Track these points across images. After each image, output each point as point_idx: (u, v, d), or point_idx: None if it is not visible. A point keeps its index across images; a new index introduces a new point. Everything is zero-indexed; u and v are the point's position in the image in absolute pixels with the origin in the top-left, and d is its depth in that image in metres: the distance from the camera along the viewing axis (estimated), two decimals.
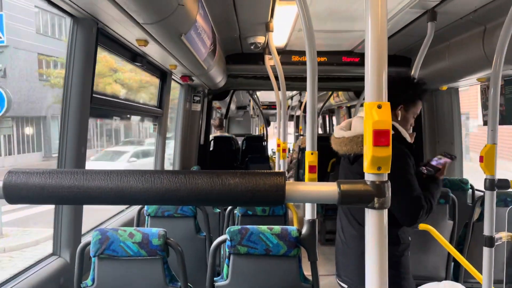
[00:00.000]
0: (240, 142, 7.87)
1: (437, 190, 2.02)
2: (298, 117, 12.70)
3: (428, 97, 4.86)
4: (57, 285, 1.92)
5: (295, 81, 5.03)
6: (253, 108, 12.16)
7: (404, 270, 2.08)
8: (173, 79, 3.92)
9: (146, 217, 2.70)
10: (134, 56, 2.79)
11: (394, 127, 2.04)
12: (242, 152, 7.53)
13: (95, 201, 0.91)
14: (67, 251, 2.04)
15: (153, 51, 2.74)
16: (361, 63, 4.63)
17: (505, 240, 2.05)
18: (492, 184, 1.98)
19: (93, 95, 2.14)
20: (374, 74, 0.86)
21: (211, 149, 6.43)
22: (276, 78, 3.55)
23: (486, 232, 2.00)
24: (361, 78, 5.12)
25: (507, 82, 3.45)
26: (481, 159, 2.01)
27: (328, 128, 13.26)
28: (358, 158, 2.07)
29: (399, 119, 2.10)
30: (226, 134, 7.24)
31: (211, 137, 6.53)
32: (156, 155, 3.73)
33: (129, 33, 2.27)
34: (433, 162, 2.07)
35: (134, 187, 0.87)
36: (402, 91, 2.13)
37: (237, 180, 0.87)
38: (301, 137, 8.18)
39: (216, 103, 8.05)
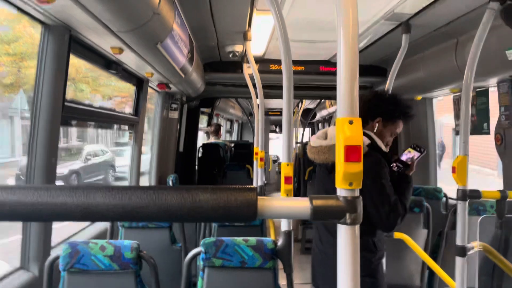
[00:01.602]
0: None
1: (408, 190, 2.04)
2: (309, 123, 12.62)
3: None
4: None
5: (274, 89, 5.04)
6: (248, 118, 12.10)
7: (380, 277, 2.10)
8: (150, 87, 3.87)
9: (120, 228, 2.64)
10: (108, 64, 2.74)
11: (370, 137, 2.06)
12: (231, 159, 7.49)
13: (60, 218, 0.88)
14: (36, 265, 1.97)
15: (128, 59, 2.70)
16: None
17: (477, 249, 2.08)
18: (464, 194, 2.01)
19: (65, 103, 2.09)
20: (346, 90, 0.86)
21: (199, 156, 6.40)
22: (255, 86, 3.55)
23: (458, 242, 2.03)
24: None
25: (478, 93, 3.54)
26: (454, 170, 2.04)
27: None
28: (335, 167, 2.07)
29: (374, 131, 2.11)
30: (218, 141, 7.20)
31: (200, 144, 6.52)
32: (131, 163, 3.67)
33: (103, 41, 2.23)
34: (403, 157, 2.09)
35: (100, 204, 0.84)
36: (383, 104, 2.14)
37: (208, 196, 0.85)
38: (297, 145, 8.17)
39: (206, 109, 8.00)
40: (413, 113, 2.19)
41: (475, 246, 2.07)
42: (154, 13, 1.90)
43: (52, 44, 1.95)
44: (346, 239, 0.89)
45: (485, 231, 2.96)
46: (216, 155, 6.64)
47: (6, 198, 0.82)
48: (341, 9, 0.88)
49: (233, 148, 8.03)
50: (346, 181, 0.87)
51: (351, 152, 0.85)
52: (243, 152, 7.80)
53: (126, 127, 3.60)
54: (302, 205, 0.87)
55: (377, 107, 2.14)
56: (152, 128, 4.61)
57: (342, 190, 0.88)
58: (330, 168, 2.13)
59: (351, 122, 0.86)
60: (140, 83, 3.59)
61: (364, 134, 2.02)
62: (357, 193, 0.88)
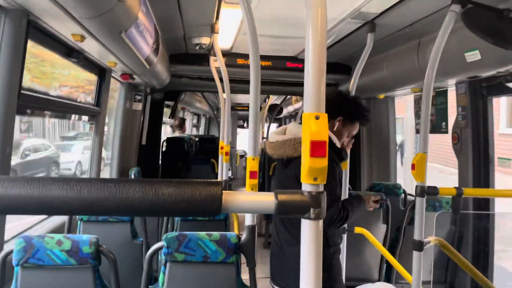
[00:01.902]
0: None
1: (358, 207, 2.19)
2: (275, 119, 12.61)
3: (366, 104, 5.05)
4: None
5: (240, 84, 5.02)
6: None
7: (335, 272, 2.15)
8: (113, 77, 3.76)
9: (78, 221, 2.56)
10: (69, 51, 2.63)
11: None
12: (195, 153, 7.40)
13: (14, 211, 0.83)
14: None
15: (90, 47, 2.61)
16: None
17: (433, 244, 2.16)
18: (422, 190, 2.07)
19: (22, 91, 1.99)
20: (313, 86, 0.87)
21: (163, 150, 6.29)
22: (221, 80, 3.52)
23: (416, 236, 2.10)
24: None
25: (438, 93, 3.66)
26: (413, 167, 2.10)
27: None
28: (291, 162, 2.13)
29: (334, 129, 2.18)
30: (183, 135, 7.09)
31: (164, 138, 6.40)
32: (91, 156, 3.56)
33: (64, 27, 2.14)
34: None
35: (57, 196, 0.80)
36: (346, 104, 2.22)
37: (171, 189, 0.83)
38: (263, 140, 8.16)
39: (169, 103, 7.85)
40: (370, 117, 2.32)
41: (432, 240, 2.15)
42: (119, 1, 1.84)
43: (8, 28, 1.85)
44: (309, 233, 0.89)
45: (441, 227, 3.08)
46: (181, 149, 6.56)
47: None
48: (310, 6, 0.88)
49: (198, 143, 7.95)
50: (311, 176, 0.87)
51: (316, 147, 0.86)
52: (208, 147, 7.74)
53: (83, 118, 3.47)
54: (267, 199, 0.87)
55: (339, 106, 2.21)
56: (114, 119, 4.49)
57: (307, 185, 0.88)
58: (285, 163, 2.18)
59: (317, 118, 0.87)
60: (102, 72, 3.48)
61: None
62: (321, 188, 0.89)
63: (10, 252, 1.67)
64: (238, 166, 11.21)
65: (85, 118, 3.44)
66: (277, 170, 2.33)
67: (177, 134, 7.06)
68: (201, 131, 14.15)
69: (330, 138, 2.12)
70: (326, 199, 1.93)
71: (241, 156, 11.80)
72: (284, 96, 8.66)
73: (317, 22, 0.87)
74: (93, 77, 3.47)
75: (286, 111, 11.40)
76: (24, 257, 1.65)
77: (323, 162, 0.86)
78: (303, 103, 0.90)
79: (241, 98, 10.31)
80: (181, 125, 7.17)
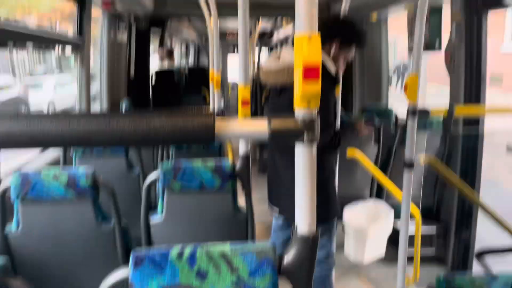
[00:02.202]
0: None
1: (350, 136, 2.16)
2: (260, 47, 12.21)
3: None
4: None
5: (228, 8, 4.80)
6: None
7: (329, 194, 2.21)
8: (94, 6, 3.57)
9: (73, 156, 2.57)
10: None
11: None
12: (185, 86, 7.26)
13: (5, 145, 0.83)
14: None
15: None
16: None
17: (424, 163, 2.21)
18: (414, 111, 2.08)
19: None
20: (305, 4, 0.82)
21: (153, 84, 6.15)
22: (208, 4, 3.36)
23: (407, 155, 2.14)
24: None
25: (432, 10, 3.54)
26: (405, 88, 2.09)
27: None
28: (285, 89, 2.09)
29: (330, 54, 2.10)
30: (172, 68, 6.88)
31: (153, 71, 6.22)
32: (79, 89, 3.48)
33: None
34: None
35: (48, 130, 0.79)
36: (344, 27, 2.13)
37: (164, 120, 0.82)
38: (255, 67, 7.96)
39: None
40: (366, 41, 2.24)
41: (422, 159, 2.20)
42: None
43: None
44: (303, 158, 0.90)
45: (431, 146, 3.14)
46: (171, 82, 6.42)
47: None
48: None
49: (187, 74, 7.78)
50: (304, 100, 0.86)
51: (309, 71, 0.83)
52: (198, 78, 7.59)
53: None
54: (260, 126, 0.86)
55: (336, 29, 2.13)
56: (99, 53, 4.34)
57: (300, 110, 0.87)
58: (279, 90, 2.14)
59: (310, 37, 0.83)
60: (82, 1, 3.30)
61: None
62: (314, 113, 0.88)
63: (7, 188, 1.69)
64: (231, 98, 11.08)
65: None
66: (271, 98, 2.30)
67: (166, 65, 6.87)
68: (190, 61, 13.79)
69: (324, 65, 2.07)
70: (321, 122, 1.95)
71: (232, 89, 11.62)
72: (275, 19, 8.34)
73: None
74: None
75: (276, 36, 11.04)
76: (22, 192, 1.67)
77: (317, 87, 0.85)
78: (295, 23, 0.85)
79: (231, 24, 9.92)
80: (169, 55, 6.95)
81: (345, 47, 2.14)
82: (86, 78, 3.45)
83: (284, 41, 12.17)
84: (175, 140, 0.86)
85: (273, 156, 2.29)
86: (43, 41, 2.75)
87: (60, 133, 0.80)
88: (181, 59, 12.38)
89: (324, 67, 2.06)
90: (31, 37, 2.51)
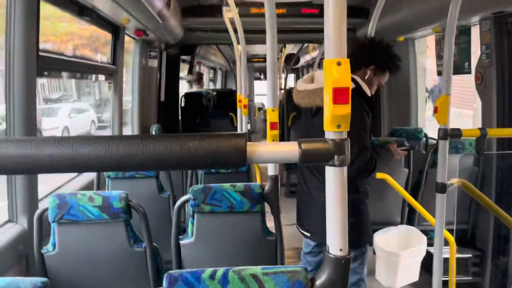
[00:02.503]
0: None
1: (385, 157, 2.20)
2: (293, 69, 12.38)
3: None
4: (16, 252, 1.87)
5: (255, 34, 4.92)
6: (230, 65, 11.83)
7: (364, 216, 2.20)
8: (127, 34, 3.73)
9: (106, 178, 2.64)
10: (81, 10, 2.61)
11: (355, 81, 2.06)
12: (214, 108, 7.41)
13: (47, 170, 0.87)
14: (24, 218, 1.97)
15: (102, 4, 2.57)
16: (321, 15, 4.55)
17: (456, 186, 2.16)
18: (445, 133, 2.05)
19: (39, 53, 2.00)
20: (334, 31, 0.84)
21: (182, 105, 6.31)
22: (236, 31, 3.45)
23: (439, 179, 2.10)
24: (321, 30, 5.11)
25: (461, 32, 3.52)
26: (436, 109, 2.06)
27: None
28: (319, 111, 2.10)
29: (366, 78, 2.14)
30: (201, 90, 7.07)
31: (182, 93, 6.39)
32: (112, 114, 3.61)
33: None
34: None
35: (87, 154, 0.83)
36: (379, 53, 2.16)
37: (197, 143, 0.85)
38: (281, 91, 8.07)
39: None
40: (400, 65, 2.26)
41: (454, 182, 2.15)
42: None
43: None
44: (334, 181, 0.90)
45: (464, 169, 3.06)
46: (199, 104, 6.57)
47: None
48: None
49: (216, 97, 7.93)
50: (334, 123, 0.87)
51: (339, 94, 0.85)
52: (226, 100, 7.72)
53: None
54: (291, 149, 0.88)
55: (373, 54, 2.15)
56: (131, 77, 4.50)
57: (330, 133, 0.88)
58: (314, 112, 2.15)
59: (339, 64, 0.85)
60: (116, 30, 3.45)
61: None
62: (345, 135, 0.89)
63: (46, 209, 1.76)
64: (257, 119, 11.18)
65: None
66: (304, 119, 2.30)
67: (195, 89, 7.04)
68: (218, 85, 14.04)
69: (361, 87, 2.08)
70: (355, 149, 1.94)
71: (259, 109, 11.71)
72: (302, 44, 8.45)
73: None
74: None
75: (303, 60, 11.14)
76: (60, 214, 1.73)
77: (346, 109, 0.86)
78: (324, 50, 0.88)
79: (257, 49, 10.07)
80: (199, 79, 7.13)
81: (380, 72, 2.17)
82: (119, 104, 3.57)
83: (310, 65, 12.29)
84: (208, 164, 0.88)
85: (303, 179, 2.29)
86: (80, 70, 2.89)
87: (99, 157, 0.83)
88: (209, 84, 12.64)
89: (360, 90, 2.07)
90: (69, 66, 2.64)
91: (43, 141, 0.83)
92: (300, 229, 2.33)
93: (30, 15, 1.88)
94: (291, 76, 12.95)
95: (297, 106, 2.21)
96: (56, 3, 2.30)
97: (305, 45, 8.55)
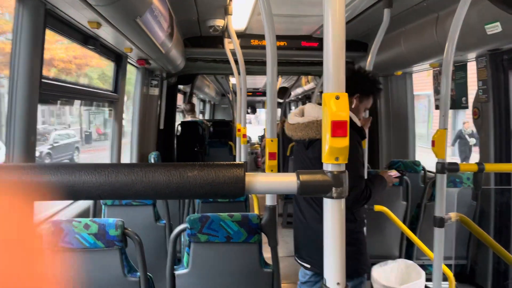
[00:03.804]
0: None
1: (380, 185, 2.21)
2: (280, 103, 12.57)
3: (384, 81, 4.99)
4: None
5: (255, 65, 5.01)
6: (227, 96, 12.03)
7: (361, 246, 2.21)
8: (129, 63, 3.79)
9: (103, 206, 2.63)
10: (86, 39, 2.66)
11: None
12: (210, 137, 7.47)
13: (46, 197, 0.87)
14: None
15: (106, 33, 2.63)
16: (320, 48, 4.65)
17: (454, 220, 2.15)
18: (443, 167, 2.06)
19: (43, 80, 2.03)
20: (333, 67, 0.86)
21: (178, 134, 6.34)
22: (236, 62, 3.51)
23: (437, 213, 2.09)
24: (320, 63, 5.18)
25: (457, 68, 3.59)
26: (433, 143, 2.08)
27: None
28: (312, 143, 2.16)
29: (352, 106, 2.21)
30: (196, 119, 7.14)
31: (178, 122, 6.45)
32: (112, 141, 3.62)
33: (80, 15, 2.16)
34: (390, 173, 2.36)
35: (87, 182, 0.83)
36: (361, 81, 2.24)
37: (196, 172, 0.85)
38: (278, 121, 8.13)
39: (185, 88, 7.91)
40: (382, 88, 2.35)
41: (453, 217, 2.14)
42: None
43: (27, 18, 1.88)
44: (332, 212, 0.90)
45: (461, 203, 3.06)
46: (195, 133, 6.61)
47: None
48: None
49: (211, 127, 8.00)
50: (333, 156, 0.88)
51: (337, 127, 0.86)
52: (222, 130, 7.80)
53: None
54: (289, 180, 0.88)
55: (356, 84, 2.23)
56: (132, 105, 4.54)
57: (328, 165, 0.89)
58: (307, 144, 2.20)
59: (337, 98, 0.87)
60: (119, 59, 3.51)
61: None
62: (343, 168, 0.90)
63: (39, 236, 1.73)
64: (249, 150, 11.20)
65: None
66: (297, 151, 2.36)
67: (189, 118, 7.10)
68: (207, 116, 14.27)
69: (351, 118, 2.12)
70: (350, 180, 1.95)
71: (247, 142, 11.76)
72: (297, 77, 8.58)
73: (335, 6, 0.86)
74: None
75: (294, 93, 11.26)
76: (54, 241, 1.71)
77: (344, 142, 0.87)
78: (323, 83, 0.90)
79: (247, 82, 10.22)
80: (192, 109, 7.20)
81: (365, 98, 2.24)
82: (119, 131, 3.59)
83: (300, 98, 12.48)
84: (207, 193, 0.88)
85: (299, 208, 2.29)
86: (82, 97, 2.92)
87: (98, 185, 0.84)
88: (199, 115, 12.86)
89: (351, 121, 2.11)
90: (71, 93, 2.67)
91: (43, 168, 0.84)
92: (299, 261, 2.31)
93: (35, 43, 1.92)
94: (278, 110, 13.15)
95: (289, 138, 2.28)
96: (61, 32, 2.35)
97: (298, 78, 8.69)
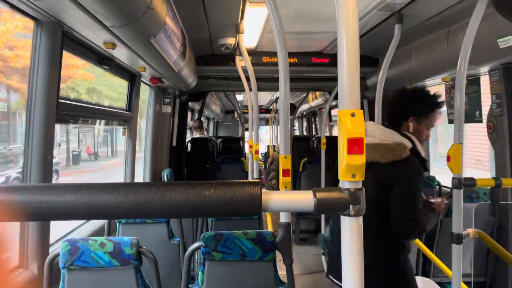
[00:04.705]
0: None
1: (434, 219, 2.06)
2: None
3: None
4: None
5: (266, 82, 5.05)
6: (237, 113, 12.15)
7: (410, 273, 2.06)
8: (142, 81, 3.85)
9: (117, 224, 2.64)
10: (101, 59, 2.71)
11: (411, 140, 2.01)
12: (219, 153, 7.50)
13: (65, 217, 0.88)
14: (35, 263, 1.96)
15: (121, 53, 2.68)
16: (331, 64, 4.69)
17: (472, 236, 2.11)
18: (459, 182, 2.03)
19: (59, 100, 2.07)
20: (348, 84, 0.87)
21: (188, 150, 6.38)
22: (247, 79, 3.54)
23: (454, 229, 2.06)
24: (331, 79, 5.23)
25: (470, 81, 3.57)
26: (448, 158, 2.06)
27: (312, 130, 13.33)
28: (373, 166, 2.01)
29: (410, 130, 2.07)
30: (204, 136, 7.19)
31: (188, 138, 6.49)
32: (125, 159, 3.65)
33: (96, 36, 2.21)
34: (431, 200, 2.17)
35: (105, 201, 0.84)
36: (412, 103, 2.09)
37: (213, 191, 0.86)
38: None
39: (194, 105, 7.99)
40: (442, 99, 2.15)
41: (471, 233, 2.10)
42: (148, 8, 1.89)
43: (44, 40, 1.93)
44: (350, 231, 0.90)
45: (478, 218, 3.00)
46: (205, 150, 6.63)
47: (11, 198, 0.82)
48: (341, 1, 0.88)
49: (221, 143, 8.05)
50: (349, 173, 0.88)
51: (353, 145, 0.86)
52: (231, 146, 7.84)
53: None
54: (306, 198, 0.88)
55: (405, 106, 2.09)
56: (145, 123, 4.59)
57: (345, 182, 0.89)
58: (368, 166, 2.04)
59: (353, 115, 0.87)
60: (132, 78, 3.57)
61: (405, 136, 2.01)
62: (359, 185, 0.89)
63: (57, 255, 1.75)
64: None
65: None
66: None
67: (197, 135, 7.14)
68: (211, 133, 14.39)
69: (414, 147, 2.00)
70: (408, 212, 1.91)
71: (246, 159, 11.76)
72: (306, 93, 8.62)
73: (348, 16, 0.87)
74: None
75: (299, 109, 11.27)
76: (70, 260, 1.72)
77: (361, 159, 0.87)
78: (339, 101, 0.90)
79: (247, 100, 10.27)
80: (200, 126, 7.24)
81: (423, 118, 2.08)
82: (132, 149, 3.62)
83: (304, 115, 12.49)
84: (223, 212, 0.88)
85: (337, 227, 2.20)
86: (97, 116, 2.96)
87: (116, 204, 0.84)
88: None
89: (415, 150, 2.00)
90: (87, 112, 2.72)
91: (63, 188, 0.85)
92: (331, 277, 2.20)
93: (53, 64, 1.97)
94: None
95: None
96: (77, 53, 2.40)
97: (306, 94, 8.71)
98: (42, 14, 1.81)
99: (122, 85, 3.60)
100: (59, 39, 1.99)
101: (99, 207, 0.84)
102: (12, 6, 1.68)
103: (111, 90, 4.09)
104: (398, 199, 1.91)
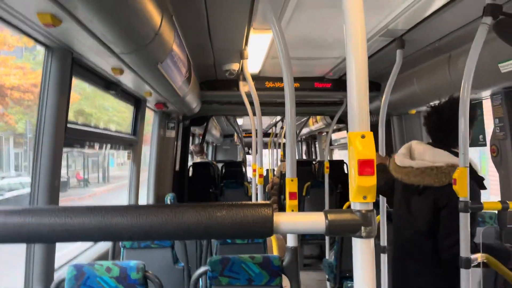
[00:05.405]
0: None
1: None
2: (284, 144, 12.67)
3: (397, 121, 5.01)
4: None
5: (270, 107, 5.09)
6: (238, 137, 12.23)
7: None
8: (148, 107, 3.89)
9: (122, 248, 2.62)
10: (108, 84, 2.76)
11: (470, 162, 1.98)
12: (221, 178, 7.50)
13: (78, 239, 0.88)
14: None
15: (128, 79, 2.73)
16: (333, 89, 4.74)
17: (480, 261, 2.09)
18: (466, 206, 2.02)
19: (68, 125, 2.10)
20: (357, 106, 0.88)
21: (190, 175, 6.38)
22: (251, 104, 3.58)
23: (462, 254, 2.04)
24: (333, 103, 5.27)
25: (472, 106, 3.59)
26: (455, 181, 2.06)
27: (312, 154, 13.32)
28: (427, 189, 2.02)
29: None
30: (205, 160, 7.20)
31: (190, 163, 6.50)
32: (130, 183, 3.65)
33: (105, 63, 2.25)
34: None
35: (118, 223, 0.85)
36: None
37: (224, 213, 0.86)
38: (282, 162, 8.19)
39: (195, 129, 8.04)
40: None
41: (479, 257, 2.08)
42: (156, 34, 1.93)
43: (55, 66, 1.97)
44: (362, 253, 0.89)
45: (485, 242, 2.97)
46: (207, 174, 6.64)
47: (25, 221, 0.83)
48: (349, 26, 0.91)
49: (223, 167, 8.06)
50: (360, 194, 0.88)
51: (364, 166, 0.87)
52: (233, 170, 7.84)
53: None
54: (317, 219, 0.88)
55: (453, 131, 2.05)
56: (149, 147, 4.61)
57: (356, 204, 0.89)
58: (420, 190, 2.05)
59: (363, 137, 0.88)
60: (138, 103, 3.61)
61: (457, 155, 2.00)
62: (371, 206, 0.90)
63: (62, 280, 1.73)
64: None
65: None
66: (404, 196, 2.17)
67: (198, 160, 7.16)
68: (209, 158, 14.41)
69: (473, 170, 1.97)
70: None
71: (249, 183, 11.75)
72: (306, 118, 8.68)
73: (357, 41, 0.90)
74: None
75: (299, 133, 11.33)
76: (76, 285, 1.71)
77: (372, 181, 0.87)
78: (348, 123, 0.91)
79: (246, 124, 10.37)
80: (201, 151, 7.26)
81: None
82: (137, 173, 3.63)
83: (304, 139, 12.52)
84: (235, 234, 0.88)
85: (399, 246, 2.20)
86: (103, 140, 2.99)
87: (130, 226, 0.85)
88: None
89: (474, 172, 1.98)
90: (94, 137, 2.74)
91: (76, 210, 0.85)
92: None
93: (62, 90, 2.00)
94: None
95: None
96: (85, 79, 2.45)
97: (307, 118, 8.76)
98: (53, 41, 1.86)
99: (113, 107, 3.59)
100: (69, 66, 2.03)
101: (112, 229, 0.84)
102: (25, 34, 1.73)
103: (101, 113, 4.02)
104: (449, 220, 1.91)
